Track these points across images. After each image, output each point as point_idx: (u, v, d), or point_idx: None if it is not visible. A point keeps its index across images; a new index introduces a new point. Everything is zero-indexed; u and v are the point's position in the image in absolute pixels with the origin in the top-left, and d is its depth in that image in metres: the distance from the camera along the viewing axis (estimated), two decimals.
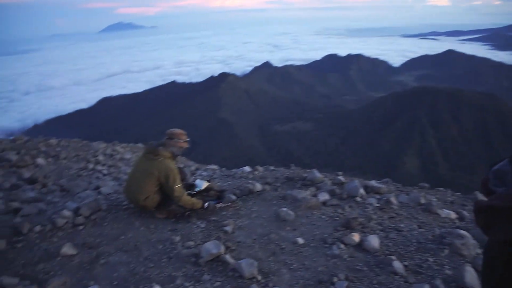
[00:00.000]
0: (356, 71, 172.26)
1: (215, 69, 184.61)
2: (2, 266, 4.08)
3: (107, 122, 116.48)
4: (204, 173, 8.69)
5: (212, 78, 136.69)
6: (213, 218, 5.21)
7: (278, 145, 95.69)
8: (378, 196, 6.04)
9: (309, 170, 7.61)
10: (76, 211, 5.26)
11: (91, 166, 10.09)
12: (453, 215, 5.43)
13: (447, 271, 3.77)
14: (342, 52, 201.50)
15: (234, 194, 5.95)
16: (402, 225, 4.91)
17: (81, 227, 4.96)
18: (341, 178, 6.98)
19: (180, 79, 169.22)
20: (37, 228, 4.82)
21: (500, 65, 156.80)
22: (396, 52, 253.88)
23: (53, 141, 12.71)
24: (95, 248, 4.44)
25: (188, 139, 5.37)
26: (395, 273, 3.74)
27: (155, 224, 5.05)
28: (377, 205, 5.61)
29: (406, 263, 3.95)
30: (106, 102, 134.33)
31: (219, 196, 5.79)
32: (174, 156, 5.26)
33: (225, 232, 4.74)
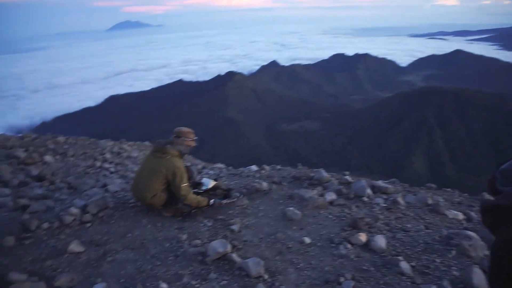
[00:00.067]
0: (364, 70, 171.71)
1: (222, 68, 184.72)
2: (11, 262, 4.10)
3: (114, 120, 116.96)
4: (211, 172, 8.70)
5: (219, 77, 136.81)
6: (220, 216, 5.21)
7: (285, 144, 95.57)
8: (385, 196, 6.02)
9: (316, 169, 7.60)
10: (83, 208, 5.28)
11: (98, 164, 10.13)
12: (460, 216, 5.41)
13: (455, 272, 3.75)
14: (350, 52, 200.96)
15: (241, 193, 5.94)
16: (409, 225, 4.89)
17: (88, 225, 4.98)
18: (348, 177, 6.97)
19: (187, 77, 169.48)
20: (45, 225, 4.84)
21: (508, 66, 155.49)
22: (403, 51, 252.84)
23: (61, 138, 12.76)
24: (102, 246, 4.45)
25: (195, 137, 5.38)
26: (402, 273, 3.73)
27: (162, 222, 5.06)
28: (384, 205, 5.60)
29: (413, 263, 3.93)
30: (113, 100, 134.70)
31: (226, 195, 5.79)
32: (181, 155, 5.26)
33: (232, 231, 4.74)
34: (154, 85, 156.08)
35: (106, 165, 10.13)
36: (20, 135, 13.50)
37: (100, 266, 4.04)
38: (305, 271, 3.89)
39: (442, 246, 4.27)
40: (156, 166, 5.05)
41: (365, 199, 5.82)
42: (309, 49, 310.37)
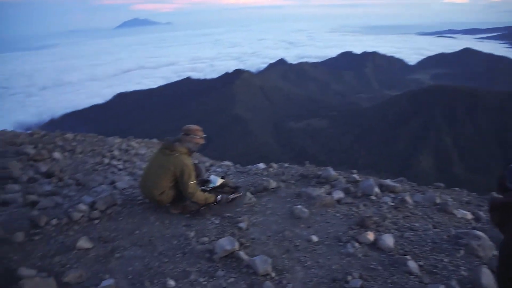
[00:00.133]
0: (372, 68, 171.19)
1: (230, 66, 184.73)
2: (20, 258, 4.14)
3: (122, 117, 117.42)
4: (219, 170, 8.70)
5: (227, 75, 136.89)
6: (228, 214, 5.22)
7: (292, 142, 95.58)
8: (393, 195, 6.00)
9: (324, 167, 7.58)
10: (91, 205, 5.31)
11: (106, 160, 10.17)
12: (469, 215, 5.38)
13: (463, 272, 3.73)
14: (358, 50, 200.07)
15: (249, 191, 5.94)
16: (417, 224, 4.87)
17: (96, 221, 5.01)
18: (355, 176, 6.96)
19: (195, 75, 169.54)
20: (54, 221, 4.88)
21: None
22: (412, 50, 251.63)
23: (69, 135, 12.82)
24: (110, 242, 4.48)
25: (204, 135, 5.39)
26: (410, 272, 3.71)
27: (170, 219, 5.08)
28: (392, 204, 5.58)
29: (421, 263, 3.91)
30: (121, 98, 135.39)
31: (234, 192, 5.79)
32: (190, 152, 5.27)
33: (240, 228, 4.75)
34: (162, 82, 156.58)
35: (114, 162, 10.17)
36: (29, 132, 13.58)
37: (108, 262, 4.06)
38: (313, 269, 3.88)
39: (450, 246, 4.24)
40: (165, 164, 5.07)
41: (373, 197, 5.80)
42: (317, 47, 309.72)
